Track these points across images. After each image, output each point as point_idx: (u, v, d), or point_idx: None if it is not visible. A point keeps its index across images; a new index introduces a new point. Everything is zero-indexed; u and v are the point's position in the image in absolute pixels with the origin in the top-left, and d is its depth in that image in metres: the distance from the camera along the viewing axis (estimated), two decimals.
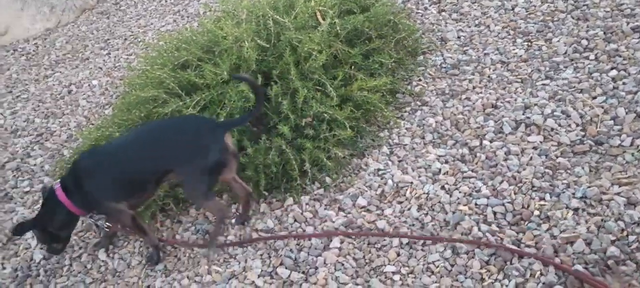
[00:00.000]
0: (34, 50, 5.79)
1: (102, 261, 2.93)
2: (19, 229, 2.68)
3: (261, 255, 2.69)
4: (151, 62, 3.72)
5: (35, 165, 3.86)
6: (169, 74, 3.35)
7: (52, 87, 4.85)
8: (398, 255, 2.48)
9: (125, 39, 5.32)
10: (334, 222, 2.73)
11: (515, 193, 2.54)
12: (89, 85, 4.69)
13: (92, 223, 2.91)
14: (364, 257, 2.53)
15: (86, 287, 2.81)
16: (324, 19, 3.39)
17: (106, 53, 5.18)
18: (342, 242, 2.60)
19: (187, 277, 2.69)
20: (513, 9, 3.68)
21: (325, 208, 2.83)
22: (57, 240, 2.82)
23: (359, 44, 3.40)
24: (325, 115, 3.03)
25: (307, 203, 2.88)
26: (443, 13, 3.91)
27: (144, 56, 3.95)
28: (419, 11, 4.01)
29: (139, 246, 2.94)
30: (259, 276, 2.58)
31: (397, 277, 2.39)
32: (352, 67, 3.30)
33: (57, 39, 5.85)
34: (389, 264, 2.45)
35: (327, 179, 2.96)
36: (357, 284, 2.42)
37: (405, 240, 2.52)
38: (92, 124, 4.02)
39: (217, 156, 2.59)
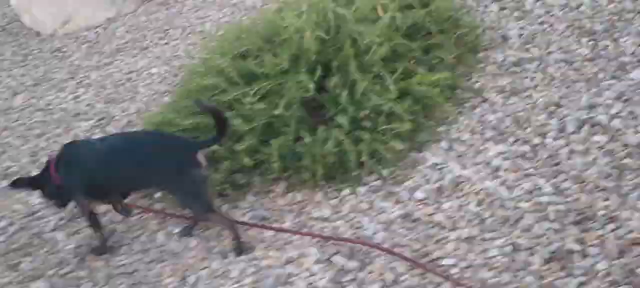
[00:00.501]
0: (95, 39, 5.97)
1: (161, 242, 2.99)
2: (17, 184, 2.94)
3: (317, 242, 2.71)
4: (211, 51, 3.80)
5: None
6: (229, 63, 3.40)
7: (113, 74, 4.98)
8: (456, 248, 2.46)
9: (184, 30, 5.43)
10: (390, 213, 2.73)
11: (578, 193, 2.49)
12: (148, 73, 4.81)
13: None
14: (421, 248, 2.52)
15: (145, 265, 2.87)
16: (385, 13, 3.39)
17: (165, 43, 5.29)
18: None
19: (244, 262, 2.73)
20: (578, 8, 3.62)
21: (381, 200, 2.83)
22: (57, 202, 3.00)
23: (418, 38, 3.39)
24: (384, 107, 3.03)
25: (363, 194, 2.89)
26: (504, 11, 3.86)
27: (204, 45, 4.03)
28: (479, 8, 3.98)
29: (196, 228, 2.99)
30: (314, 263, 2.60)
31: (454, 270, 2.37)
32: (412, 61, 3.29)
33: (117, 28, 6.01)
34: (446, 257, 2.44)
35: (384, 171, 2.96)
36: (413, 276, 2.41)
37: (464, 235, 2.50)
38: (152, 110, 4.11)
39: (198, 173, 2.72)
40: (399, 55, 3.31)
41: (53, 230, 3.25)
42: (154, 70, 4.80)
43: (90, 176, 2.80)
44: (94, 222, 2.96)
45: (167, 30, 5.57)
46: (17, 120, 4.66)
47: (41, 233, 3.23)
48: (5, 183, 3.78)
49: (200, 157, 2.69)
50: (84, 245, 3.07)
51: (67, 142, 3.09)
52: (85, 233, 3.16)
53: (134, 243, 3.03)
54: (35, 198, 3.53)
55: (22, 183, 3.00)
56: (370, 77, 3.14)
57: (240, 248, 2.78)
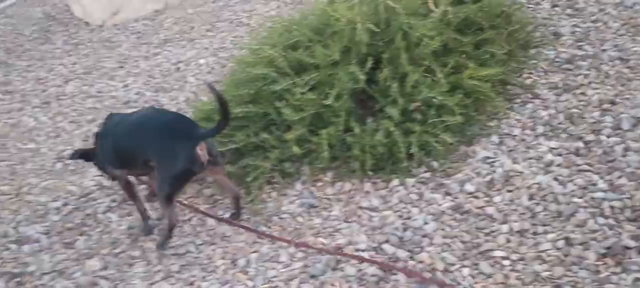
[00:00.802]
0: (143, 30, 6.09)
1: (211, 225, 3.05)
2: (74, 155, 3.10)
3: (366, 231, 2.74)
4: (261, 42, 3.85)
5: None
6: (280, 54, 3.45)
7: (161, 64, 5.08)
8: (507, 241, 2.46)
9: (231, 22, 5.50)
10: (440, 205, 2.74)
11: (634, 190, 2.47)
12: (196, 63, 4.89)
13: None
14: (471, 240, 2.52)
15: (196, 247, 2.93)
16: (436, 7, 3.39)
17: (212, 35, 5.37)
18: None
19: (293, 246, 2.77)
20: (632, 7, 3.57)
21: (431, 192, 2.84)
22: (103, 171, 3.15)
23: (470, 33, 3.39)
24: (435, 100, 3.04)
25: (412, 186, 2.91)
26: (556, 8, 3.83)
27: (254, 36, 4.08)
28: (530, 5, 3.95)
29: (247, 213, 3.04)
30: (364, 250, 2.63)
31: (506, 262, 2.37)
32: (463, 55, 3.28)
33: (165, 20, 6.13)
34: (497, 249, 2.44)
35: (434, 163, 2.97)
36: (464, 266, 2.42)
37: (516, 228, 2.50)
38: (200, 99, 4.18)
39: (183, 166, 2.69)
40: (449, 50, 3.31)
41: (105, 211, 3.34)
42: (201, 61, 4.88)
43: (113, 145, 2.94)
44: (130, 193, 3.11)
45: (214, 22, 5.65)
46: (69, 106, 4.79)
47: (95, 214, 3.32)
48: (59, 165, 3.91)
49: (200, 149, 2.67)
50: (136, 227, 3.15)
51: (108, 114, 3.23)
52: (137, 216, 3.24)
53: (185, 225, 3.10)
54: (88, 180, 3.64)
55: (77, 154, 3.13)
56: (421, 70, 3.15)
57: (165, 245, 2.94)
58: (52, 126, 4.53)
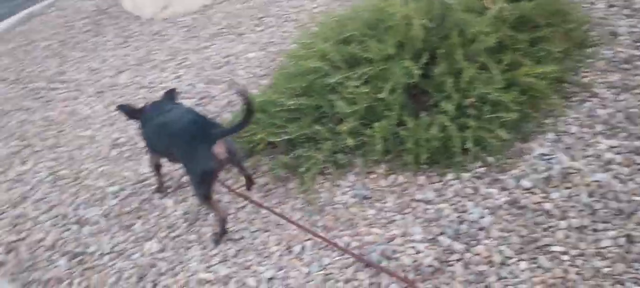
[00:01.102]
0: (192, 24, 6.20)
1: (265, 213, 3.10)
2: (121, 108, 3.25)
3: (421, 222, 2.76)
4: (313, 36, 3.90)
5: None
6: (333, 47, 3.49)
7: (211, 57, 5.17)
8: (566, 237, 2.46)
9: (279, 18, 5.56)
10: (496, 199, 2.75)
11: None
12: (245, 57, 4.96)
13: None
14: (529, 234, 2.53)
15: (251, 233, 2.99)
16: (492, 4, 3.39)
17: (260, 30, 5.44)
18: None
19: (348, 235, 2.80)
20: None
21: (486, 186, 2.85)
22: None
23: (525, 30, 3.37)
24: (490, 96, 3.04)
25: (468, 180, 2.91)
26: (612, 8, 3.79)
27: (305, 31, 4.13)
28: (586, 5, 3.91)
29: (300, 203, 3.09)
30: (419, 241, 2.65)
31: (565, 258, 2.37)
32: (518, 52, 3.28)
33: (213, 14, 6.23)
34: (556, 244, 2.44)
35: (490, 159, 2.97)
36: (522, 259, 2.42)
37: (575, 224, 2.49)
38: (251, 92, 4.24)
39: (202, 167, 2.76)
40: (505, 47, 3.31)
41: (161, 198, 3.42)
42: (251, 55, 4.95)
43: (147, 133, 3.14)
44: (156, 170, 3.38)
45: (262, 17, 5.72)
46: (122, 96, 4.91)
47: (151, 199, 3.41)
48: (115, 152, 4.02)
49: (217, 147, 2.73)
50: (192, 212, 3.22)
51: (155, 100, 3.33)
52: (191, 202, 3.32)
53: (239, 212, 3.16)
54: (143, 167, 3.74)
55: (125, 109, 3.25)
56: (476, 66, 3.16)
57: (219, 240, 2.98)
58: (106, 115, 4.65)
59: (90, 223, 3.33)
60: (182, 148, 2.81)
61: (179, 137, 2.82)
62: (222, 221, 2.97)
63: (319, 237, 2.80)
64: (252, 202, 3.15)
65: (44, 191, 3.76)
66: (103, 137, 4.29)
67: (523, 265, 2.40)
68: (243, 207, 3.19)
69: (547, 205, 2.62)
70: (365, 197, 3.04)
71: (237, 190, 3.25)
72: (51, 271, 3.00)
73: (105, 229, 3.25)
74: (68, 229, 3.31)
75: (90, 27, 7.09)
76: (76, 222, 3.37)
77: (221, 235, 2.99)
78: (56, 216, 3.46)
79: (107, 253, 3.05)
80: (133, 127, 4.32)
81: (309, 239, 2.85)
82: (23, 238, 3.32)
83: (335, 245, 2.73)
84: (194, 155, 2.76)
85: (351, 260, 2.66)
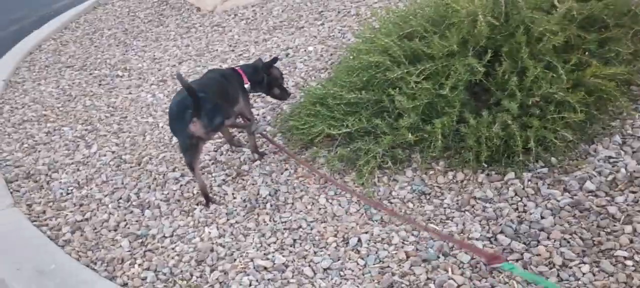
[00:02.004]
0: (252, 16, 6.29)
1: (322, 204, 3.14)
2: (181, 77, 3.22)
3: (480, 221, 2.74)
4: (375, 31, 3.91)
5: (257, 114, 4.21)
6: (395, 43, 3.49)
7: (271, 49, 5.23)
8: (631, 241, 2.40)
9: (339, 12, 5.59)
10: (558, 201, 2.70)
11: None
12: (304, 50, 5.00)
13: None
14: (592, 238, 2.48)
15: (307, 224, 3.02)
16: (559, 2, 3.32)
17: (320, 23, 5.48)
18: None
19: (405, 230, 2.81)
20: None
21: (548, 187, 2.81)
22: None
23: (593, 30, 3.30)
24: (556, 96, 2.99)
25: (529, 180, 2.88)
26: None
27: (367, 25, 4.14)
28: None
29: (354, 198, 3.11)
30: (477, 239, 2.63)
31: (629, 263, 2.32)
32: (586, 52, 3.21)
33: (273, 7, 6.30)
34: (620, 249, 2.38)
35: (552, 159, 2.93)
36: (584, 262, 2.38)
37: (639, 229, 2.43)
38: (310, 85, 4.29)
39: (182, 139, 3.23)
40: (571, 46, 3.24)
41: (221, 184, 3.50)
42: (310, 48, 5.00)
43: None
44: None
45: (322, 11, 5.76)
46: None
47: (211, 186, 3.49)
48: (175, 139, 4.12)
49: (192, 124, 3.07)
50: (250, 200, 3.28)
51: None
52: (249, 190, 3.38)
53: (296, 202, 3.20)
54: (203, 155, 3.82)
55: (184, 81, 3.22)
56: (542, 65, 3.10)
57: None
58: (168, 103, 4.76)
59: (151, 206, 3.43)
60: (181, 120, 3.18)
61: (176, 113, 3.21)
62: (202, 190, 3.34)
63: (419, 225, 2.81)
64: (342, 188, 3.18)
65: (108, 174, 3.88)
66: (164, 124, 4.40)
67: (585, 268, 2.36)
68: (301, 197, 3.23)
69: (612, 209, 2.57)
70: (423, 193, 3.04)
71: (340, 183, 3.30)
72: (114, 251, 3.10)
73: (166, 213, 3.34)
74: (131, 212, 3.42)
75: (152, 17, 7.28)
76: (138, 205, 3.47)
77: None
78: (119, 199, 3.58)
79: (168, 236, 3.14)
80: None
81: (365, 232, 2.86)
82: (88, 219, 3.44)
83: (436, 233, 2.74)
84: (178, 131, 3.24)
85: (408, 253, 2.66)
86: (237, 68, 3.70)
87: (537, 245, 2.52)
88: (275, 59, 3.85)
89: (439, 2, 3.64)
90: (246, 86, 3.62)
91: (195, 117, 3.05)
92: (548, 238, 2.54)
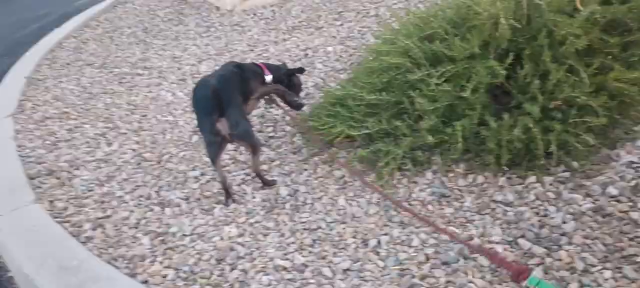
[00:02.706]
0: (271, 16, 6.32)
1: (341, 205, 3.15)
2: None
3: (500, 224, 2.73)
4: (395, 32, 3.91)
5: (276, 114, 4.23)
6: (415, 44, 3.49)
7: (290, 49, 5.26)
8: None
9: (358, 13, 5.60)
10: (580, 206, 2.69)
11: None
12: (324, 50, 5.02)
13: None
14: (614, 243, 2.46)
15: (327, 224, 3.03)
16: (582, 5, 3.30)
17: (340, 24, 5.49)
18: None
19: (424, 232, 2.81)
20: None
21: (570, 192, 2.79)
22: None
23: (616, 34, 3.27)
24: (578, 100, 2.97)
25: (550, 184, 2.87)
26: None
27: (387, 27, 4.15)
28: None
29: (376, 197, 3.12)
30: (498, 243, 2.63)
31: None
32: (608, 56, 3.18)
33: (292, 7, 6.32)
34: None
35: (574, 163, 2.91)
36: (606, 268, 2.37)
37: None
38: (329, 85, 4.30)
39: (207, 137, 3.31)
40: (594, 50, 3.22)
41: (240, 183, 3.52)
42: (329, 49, 5.01)
43: None
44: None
45: (341, 12, 5.78)
46: None
47: (230, 185, 3.51)
48: (196, 138, 4.15)
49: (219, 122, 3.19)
50: (270, 200, 3.30)
51: None
52: (269, 190, 3.39)
53: (316, 203, 3.21)
54: (223, 154, 3.84)
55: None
56: (564, 68, 3.09)
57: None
58: (188, 102, 4.79)
59: (172, 205, 3.46)
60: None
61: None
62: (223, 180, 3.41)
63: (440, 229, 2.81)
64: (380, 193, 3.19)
65: (129, 172, 3.92)
66: (184, 123, 4.44)
67: (607, 273, 2.35)
68: (319, 198, 3.24)
69: (635, 215, 2.55)
70: (443, 195, 3.03)
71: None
72: (135, 248, 3.13)
73: (186, 211, 3.37)
74: (151, 210, 3.45)
75: (172, 16, 7.34)
76: (159, 203, 3.50)
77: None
78: (140, 196, 3.61)
79: (188, 235, 3.16)
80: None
81: (385, 234, 2.87)
82: (109, 216, 3.48)
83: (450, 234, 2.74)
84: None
85: (428, 256, 2.66)
86: (259, 63, 3.82)
87: (559, 250, 2.50)
88: (301, 69, 4.00)
89: (460, 4, 3.63)
90: (268, 78, 3.73)
91: (222, 117, 3.17)
92: (570, 243, 2.52)
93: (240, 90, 3.43)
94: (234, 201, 3.37)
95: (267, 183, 3.45)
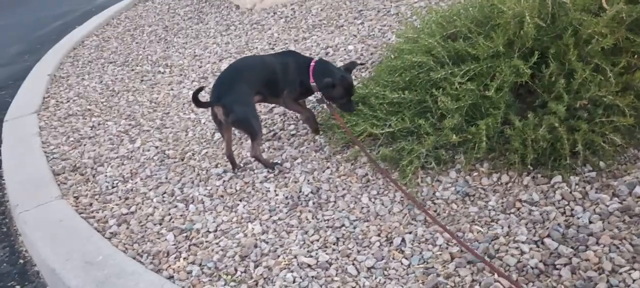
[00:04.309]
0: (291, 14, 6.33)
1: (364, 203, 3.15)
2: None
3: (526, 224, 2.72)
4: (418, 30, 3.90)
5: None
6: (439, 43, 3.48)
7: (311, 48, 5.26)
8: None
9: (378, 11, 5.59)
10: (607, 206, 2.67)
11: None
12: (344, 49, 5.02)
13: None
14: None
15: (350, 222, 3.03)
16: (608, 4, 3.27)
17: (360, 22, 5.49)
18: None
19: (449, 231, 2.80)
20: None
21: (596, 192, 2.77)
22: None
23: None
24: (604, 99, 2.95)
25: (576, 184, 2.85)
26: None
27: (409, 25, 4.14)
28: None
29: (399, 196, 3.12)
30: (523, 242, 2.62)
31: None
32: (635, 56, 3.15)
33: (312, 6, 6.33)
34: None
35: (601, 163, 2.89)
36: (634, 269, 2.35)
37: None
38: None
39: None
40: (620, 49, 3.19)
41: (263, 181, 3.54)
42: (350, 47, 5.01)
43: None
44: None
45: (361, 11, 5.77)
46: None
47: (253, 183, 3.53)
48: (218, 135, 4.18)
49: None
50: (293, 197, 3.31)
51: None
52: (291, 187, 3.41)
53: (339, 201, 3.22)
54: (245, 151, 3.87)
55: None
56: (590, 68, 3.06)
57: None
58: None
59: (195, 201, 3.48)
60: None
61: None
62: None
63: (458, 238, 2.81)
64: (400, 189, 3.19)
65: (152, 169, 3.96)
66: (206, 121, 4.47)
67: (635, 274, 2.33)
68: (343, 196, 3.25)
69: None
70: (467, 194, 3.03)
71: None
72: (160, 244, 3.15)
73: (209, 208, 3.39)
74: (175, 206, 3.48)
75: (192, 14, 7.38)
76: (182, 200, 3.53)
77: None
78: (164, 193, 3.64)
79: (212, 231, 3.18)
80: None
81: (409, 232, 2.87)
82: (133, 212, 3.51)
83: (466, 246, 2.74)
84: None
85: (453, 255, 2.66)
86: (313, 62, 3.79)
87: (586, 250, 2.49)
88: (352, 65, 3.95)
89: (484, 2, 3.62)
90: (312, 85, 3.75)
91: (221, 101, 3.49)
92: (597, 243, 2.50)
93: (262, 80, 3.67)
94: (239, 168, 3.73)
95: (268, 165, 3.66)
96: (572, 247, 2.53)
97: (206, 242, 3.12)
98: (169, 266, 2.98)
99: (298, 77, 3.74)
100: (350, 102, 3.68)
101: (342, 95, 3.65)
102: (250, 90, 3.60)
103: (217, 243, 3.08)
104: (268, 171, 3.62)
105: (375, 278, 2.64)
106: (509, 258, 2.55)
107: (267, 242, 3.02)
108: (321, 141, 3.80)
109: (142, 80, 5.61)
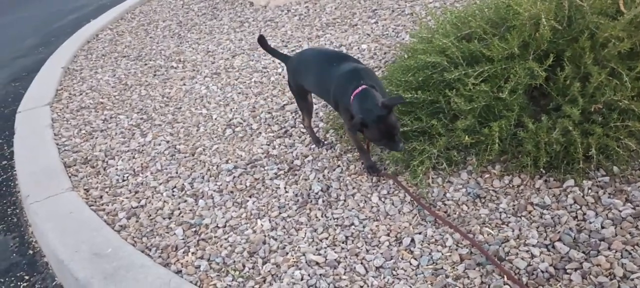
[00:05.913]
0: (305, 12, 6.32)
1: (374, 203, 3.13)
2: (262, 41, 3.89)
3: (537, 227, 2.69)
4: (432, 31, 3.88)
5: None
6: (453, 43, 3.46)
7: (324, 46, 5.24)
8: None
9: (392, 11, 5.57)
10: (620, 211, 2.64)
11: None
12: (358, 48, 5.00)
13: None
14: None
15: (360, 221, 3.02)
16: (626, 8, 3.24)
17: (374, 22, 5.47)
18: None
19: (459, 233, 2.78)
20: None
21: (609, 196, 2.74)
22: None
23: None
24: (620, 104, 2.92)
25: (589, 188, 2.82)
26: None
27: (423, 25, 4.12)
28: None
29: (408, 198, 3.10)
30: (534, 246, 2.59)
31: None
32: None
33: (326, 4, 6.32)
34: None
35: (614, 168, 2.86)
36: None
37: None
38: None
39: None
40: (637, 53, 3.15)
41: (273, 178, 3.53)
42: (364, 46, 4.99)
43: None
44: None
45: (376, 10, 5.75)
46: (237, 79, 5.09)
47: (263, 179, 3.52)
48: (229, 131, 4.18)
49: None
50: (302, 195, 3.30)
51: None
52: (301, 185, 3.40)
53: (348, 200, 3.20)
54: (256, 147, 3.87)
55: (265, 43, 3.95)
56: (606, 71, 3.03)
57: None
58: (222, 95, 4.84)
59: (205, 197, 3.48)
60: None
61: None
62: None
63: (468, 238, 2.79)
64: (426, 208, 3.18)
65: (163, 163, 3.96)
66: (218, 116, 4.47)
67: None
68: (353, 194, 3.23)
69: None
70: (478, 196, 3.00)
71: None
72: (169, 238, 3.16)
73: (219, 204, 3.39)
74: (184, 201, 3.48)
75: (206, 10, 7.39)
76: (192, 194, 3.53)
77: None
78: (174, 187, 3.64)
79: (221, 227, 3.18)
80: (246, 107, 4.48)
81: (418, 233, 2.85)
82: (143, 206, 3.52)
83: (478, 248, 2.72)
84: None
85: (462, 256, 2.64)
86: (363, 87, 3.06)
87: (597, 255, 2.46)
88: (398, 99, 3.14)
89: (499, 4, 3.59)
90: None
91: None
92: (609, 248, 2.48)
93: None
94: (323, 144, 3.78)
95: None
96: (583, 252, 2.50)
97: (215, 237, 3.12)
98: (177, 260, 2.98)
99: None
100: (393, 141, 2.99)
101: (379, 137, 2.99)
102: None
103: (225, 239, 3.08)
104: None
105: (384, 277, 2.62)
106: (519, 262, 2.53)
107: (275, 239, 3.01)
108: (332, 139, 3.78)
109: (154, 75, 5.63)
